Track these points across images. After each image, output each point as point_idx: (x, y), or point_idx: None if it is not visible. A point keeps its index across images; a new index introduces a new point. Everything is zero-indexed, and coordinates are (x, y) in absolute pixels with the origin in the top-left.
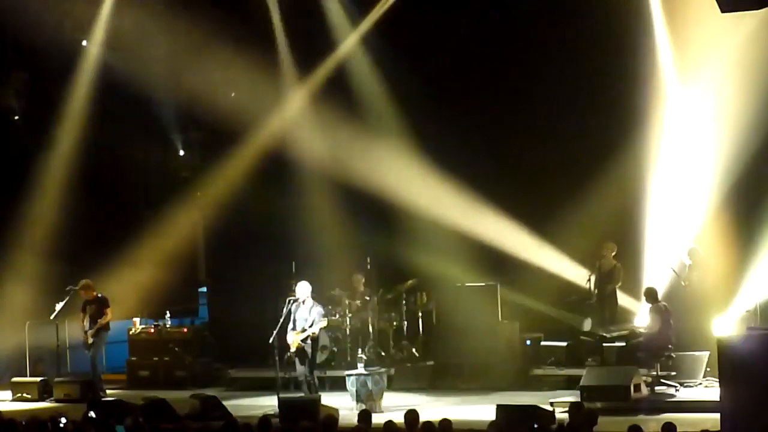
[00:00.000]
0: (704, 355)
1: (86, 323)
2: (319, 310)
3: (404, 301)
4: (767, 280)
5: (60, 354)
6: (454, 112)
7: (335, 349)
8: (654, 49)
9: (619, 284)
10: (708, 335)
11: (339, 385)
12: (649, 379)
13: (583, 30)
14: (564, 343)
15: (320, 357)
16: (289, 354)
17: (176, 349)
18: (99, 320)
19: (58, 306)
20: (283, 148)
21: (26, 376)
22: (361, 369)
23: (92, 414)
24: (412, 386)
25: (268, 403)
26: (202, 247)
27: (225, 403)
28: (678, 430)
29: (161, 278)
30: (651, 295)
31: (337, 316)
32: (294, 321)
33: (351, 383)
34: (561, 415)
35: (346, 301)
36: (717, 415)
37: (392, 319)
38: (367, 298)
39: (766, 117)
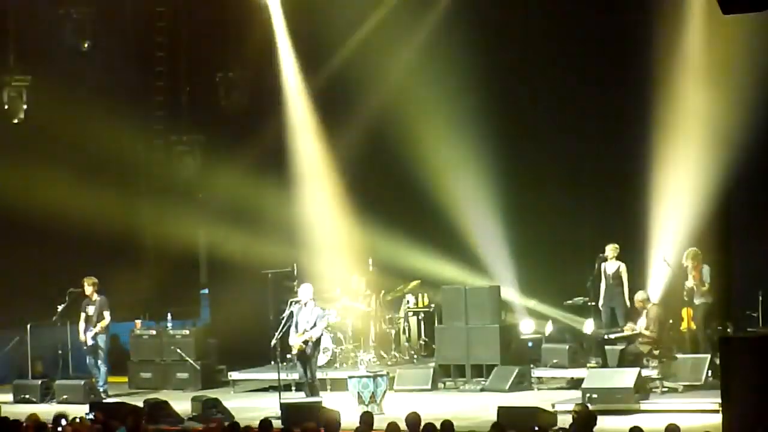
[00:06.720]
0: (706, 357)
1: (84, 324)
2: (319, 311)
3: (406, 303)
4: None
5: (62, 356)
6: (455, 113)
7: (337, 350)
8: (655, 50)
9: (626, 284)
10: (709, 337)
11: (341, 386)
12: (651, 381)
13: (584, 30)
14: (566, 345)
15: (322, 359)
16: (290, 356)
17: (178, 350)
18: (99, 323)
19: (60, 307)
20: (284, 148)
21: (28, 378)
22: (362, 370)
23: (93, 415)
24: (413, 387)
25: (270, 404)
26: (203, 248)
27: (226, 404)
28: None
29: (163, 280)
30: (641, 300)
31: (339, 317)
32: (296, 323)
33: (353, 385)
34: (563, 416)
35: (348, 303)
36: (719, 417)
37: (394, 321)
38: (369, 300)
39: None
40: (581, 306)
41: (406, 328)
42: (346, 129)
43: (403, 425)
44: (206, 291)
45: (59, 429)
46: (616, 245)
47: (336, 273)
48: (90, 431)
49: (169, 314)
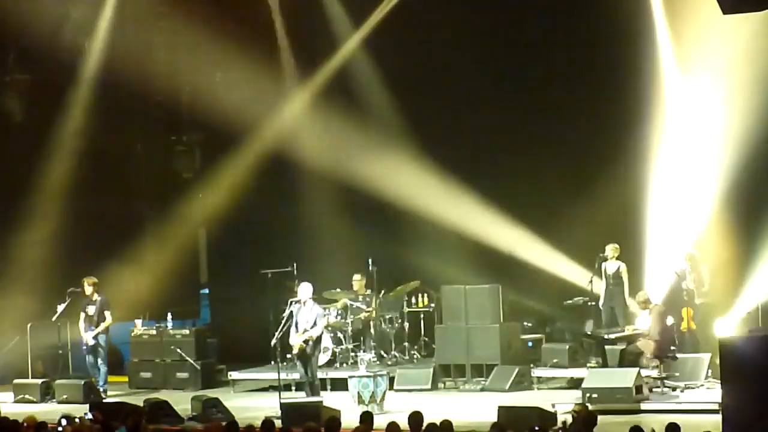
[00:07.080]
0: (706, 357)
1: (85, 324)
2: (319, 311)
3: (406, 302)
4: None
5: (62, 355)
6: (456, 113)
7: (337, 350)
8: (656, 50)
9: (627, 284)
10: (710, 337)
11: (341, 386)
12: (651, 381)
13: (585, 30)
14: (566, 345)
15: (322, 358)
16: (290, 356)
17: (178, 350)
18: (102, 323)
19: (60, 307)
20: (284, 149)
21: (28, 377)
22: (362, 370)
23: (93, 415)
24: (413, 387)
25: (270, 404)
26: (203, 248)
27: (226, 404)
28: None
29: (163, 280)
30: (643, 300)
31: (339, 317)
32: (296, 323)
33: (353, 385)
34: (563, 416)
35: (348, 302)
36: (718, 417)
37: (394, 321)
38: (369, 299)
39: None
40: (581, 306)
41: (406, 328)
42: (346, 129)
43: (403, 425)
44: (206, 291)
45: (59, 429)
46: (617, 245)
47: (336, 273)
48: (90, 431)
49: (169, 314)
